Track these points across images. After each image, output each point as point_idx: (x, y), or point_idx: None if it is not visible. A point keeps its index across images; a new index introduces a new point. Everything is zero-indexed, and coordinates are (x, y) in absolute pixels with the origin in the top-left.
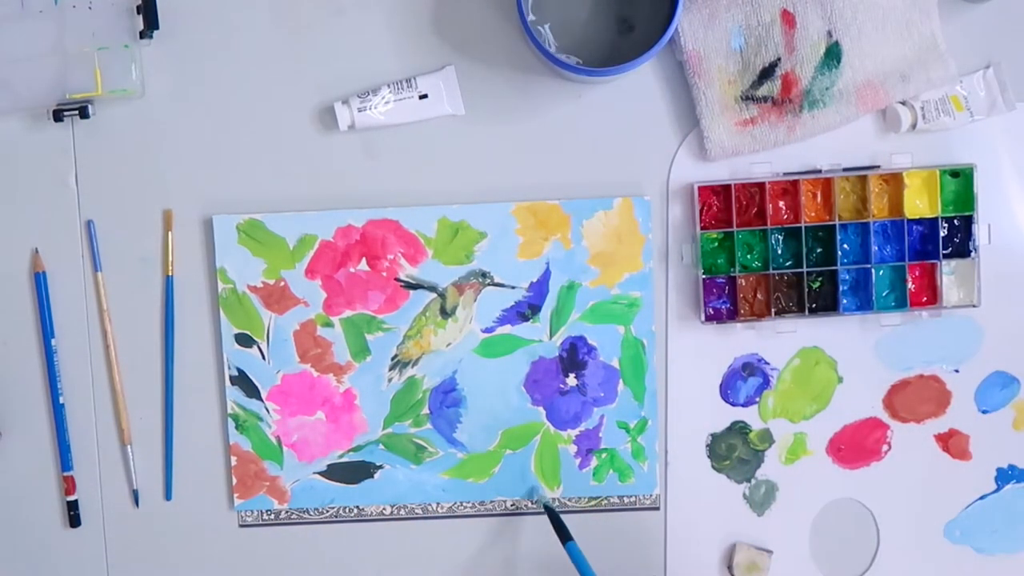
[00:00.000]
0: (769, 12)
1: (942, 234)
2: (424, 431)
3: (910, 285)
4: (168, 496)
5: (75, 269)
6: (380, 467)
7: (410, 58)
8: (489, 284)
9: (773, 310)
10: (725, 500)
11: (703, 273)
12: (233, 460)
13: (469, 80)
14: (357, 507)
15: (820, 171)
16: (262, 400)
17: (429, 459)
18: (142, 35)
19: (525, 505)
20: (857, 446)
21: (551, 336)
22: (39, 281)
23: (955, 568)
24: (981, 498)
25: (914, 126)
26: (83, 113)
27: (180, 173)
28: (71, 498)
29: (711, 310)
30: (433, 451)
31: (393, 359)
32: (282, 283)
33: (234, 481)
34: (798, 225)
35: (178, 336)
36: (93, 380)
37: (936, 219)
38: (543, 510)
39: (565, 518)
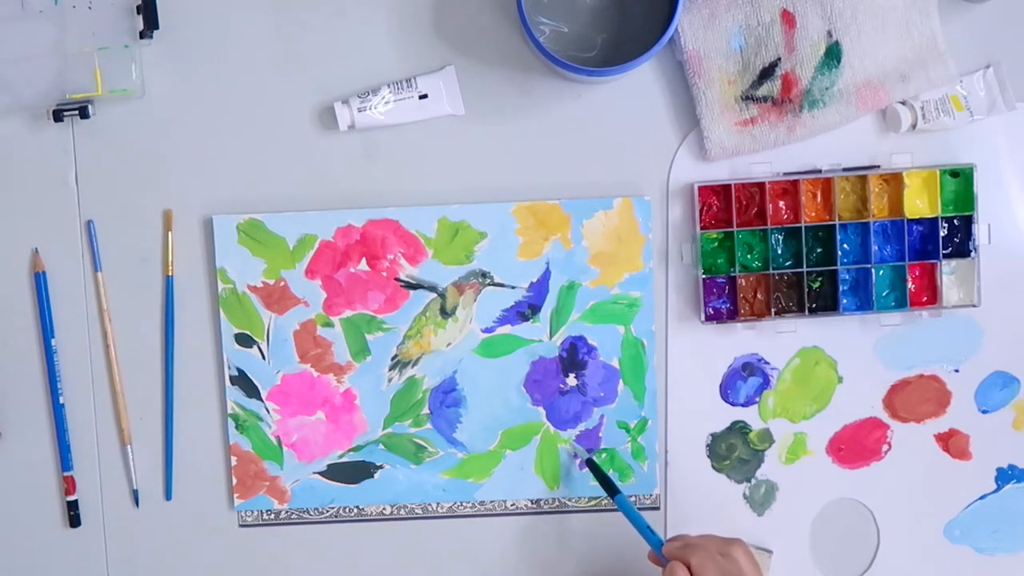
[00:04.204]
0: (769, 12)
1: (942, 234)
2: (424, 431)
3: (910, 285)
4: (168, 496)
5: (75, 269)
6: (380, 467)
7: (410, 58)
8: (489, 284)
9: (773, 310)
10: (725, 500)
11: (703, 273)
12: (233, 460)
13: (469, 80)
14: (357, 507)
15: (820, 171)
16: (262, 400)
17: (429, 459)
18: (142, 35)
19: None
20: (857, 446)
21: (551, 336)
22: (39, 281)
23: (955, 568)
24: (981, 498)
25: (914, 126)
26: (83, 113)
27: (180, 173)
28: (71, 498)
29: (711, 310)
30: (433, 451)
31: (393, 359)
32: (282, 283)
33: (234, 481)
34: (798, 225)
35: (178, 336)
36: (93, 380)
37: (936, 219)
38: (587, 464)
39: (565, 518)
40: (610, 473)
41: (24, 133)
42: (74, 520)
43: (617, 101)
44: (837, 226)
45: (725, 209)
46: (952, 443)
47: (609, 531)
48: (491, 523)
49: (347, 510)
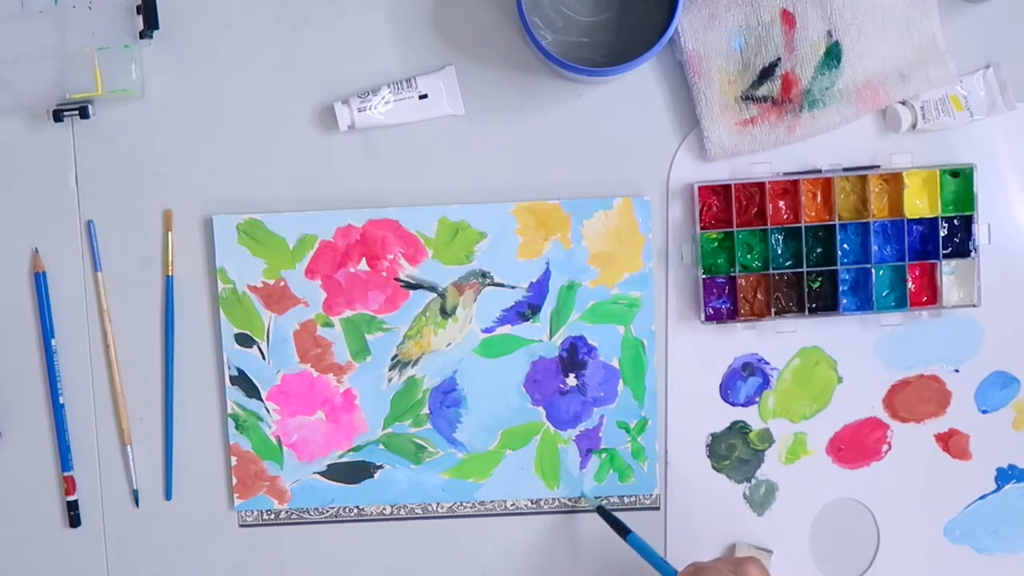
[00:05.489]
0: (769, 12)
1: (942, 234)
2: (424, 431)
3: (910, 285)
4: (168, 496)
5: (75, 269)
6: (380, 467)
7: (410, 58)
8: (489, 284)
9: (773, 310)
10: (725, 500)
11: (703, 273)
12: (233, 460)
13: (469, 80)
14: (357, 507)
15: (820, 171)
16: (262, 400)
17: (429, 459)
18: (142, 35)
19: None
20: (857, 446)
21: (551, 336)
22: (39, 281)
23: (955, 568)
24: (981, 498)
25: (914, 126)
26: (83, 113)
27: (180, 173)
28: (71, 498)
29: (711, 310)
30: (433, 451)
31: (393, 359)
32: (282, 283)
33: (234, 481)
34: (798, 225)
35: (178, 336)
36: (93, 380)
37: (936, 219)
38: (596, 512)
39: (564, 518)
40: (609, 474)
41: (24, 133)
42: (74, 520)
43: (617, 101)
44: (837, 226)
45: (725, 209)
46: (952, 443)
47: (608, 531)
48: (491, 523)
49: (347, 510)
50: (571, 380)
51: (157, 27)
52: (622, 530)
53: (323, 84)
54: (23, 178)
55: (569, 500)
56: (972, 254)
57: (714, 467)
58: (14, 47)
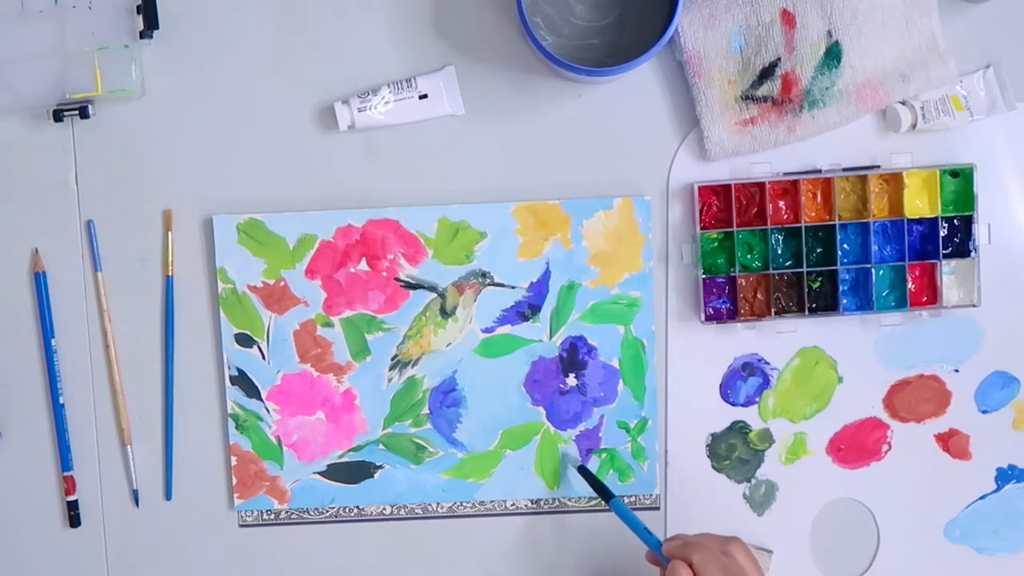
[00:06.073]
0: (769, 12)
1: (942, 234)
2: (424, 431)
3: (910, 285)
4: (168, 496)
5: (75, 269)
6: (380, 467)
7: (410, 58)
8: (489, 284)
9: (773, 310)
10: (725, 500)
11: (703, 273)
12: (233, 460)
13: (469, 80)
14: (357, 507)
15: (820, 171)
16: (262, 400)
17: (429, 459)
18: (142, 35)
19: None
20: (857, 446)
21: (551, 336)
22: (39, 281)
23: (955, 568)
24: (981, 498)
25: (914, 126)
26: (83, 113)
27: (180, 173)
28: (71, 498)
29: (711, 310)
30: (433, 451)
31: (393, 359)
32: (282, 283)
33: (234, 481)
34: (798, 225)
35: (178, 336)
36: (93, 380)
37: (936, 219)
38: (578, 471)
39: (565, 518)
40: (609, 474)
41: (24, 133)
42: (74, 520)
43: (617, 101)
44: (837, 226)
45: (725, 209)
46: (952, 443)
47: (608, 531)
48: (491, 523)
49: (347, 510)
50: (571, 380)
51: (157, 27)
52: (605, 494)
53: (323, 84)
54: (23, 178)
55: (569, 500)
56: (972, 254)
57: (714, 467)
58: (14, 47)
